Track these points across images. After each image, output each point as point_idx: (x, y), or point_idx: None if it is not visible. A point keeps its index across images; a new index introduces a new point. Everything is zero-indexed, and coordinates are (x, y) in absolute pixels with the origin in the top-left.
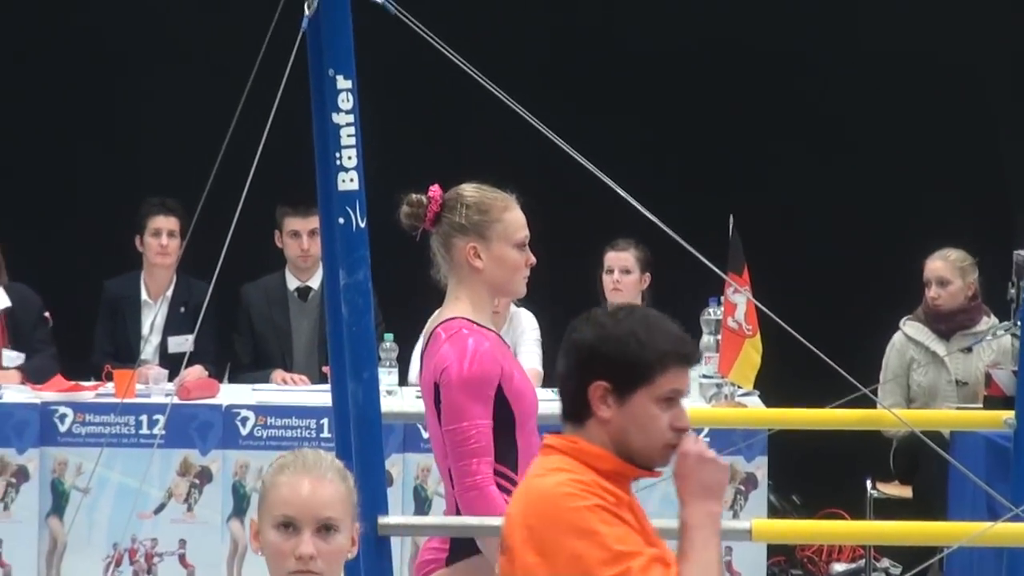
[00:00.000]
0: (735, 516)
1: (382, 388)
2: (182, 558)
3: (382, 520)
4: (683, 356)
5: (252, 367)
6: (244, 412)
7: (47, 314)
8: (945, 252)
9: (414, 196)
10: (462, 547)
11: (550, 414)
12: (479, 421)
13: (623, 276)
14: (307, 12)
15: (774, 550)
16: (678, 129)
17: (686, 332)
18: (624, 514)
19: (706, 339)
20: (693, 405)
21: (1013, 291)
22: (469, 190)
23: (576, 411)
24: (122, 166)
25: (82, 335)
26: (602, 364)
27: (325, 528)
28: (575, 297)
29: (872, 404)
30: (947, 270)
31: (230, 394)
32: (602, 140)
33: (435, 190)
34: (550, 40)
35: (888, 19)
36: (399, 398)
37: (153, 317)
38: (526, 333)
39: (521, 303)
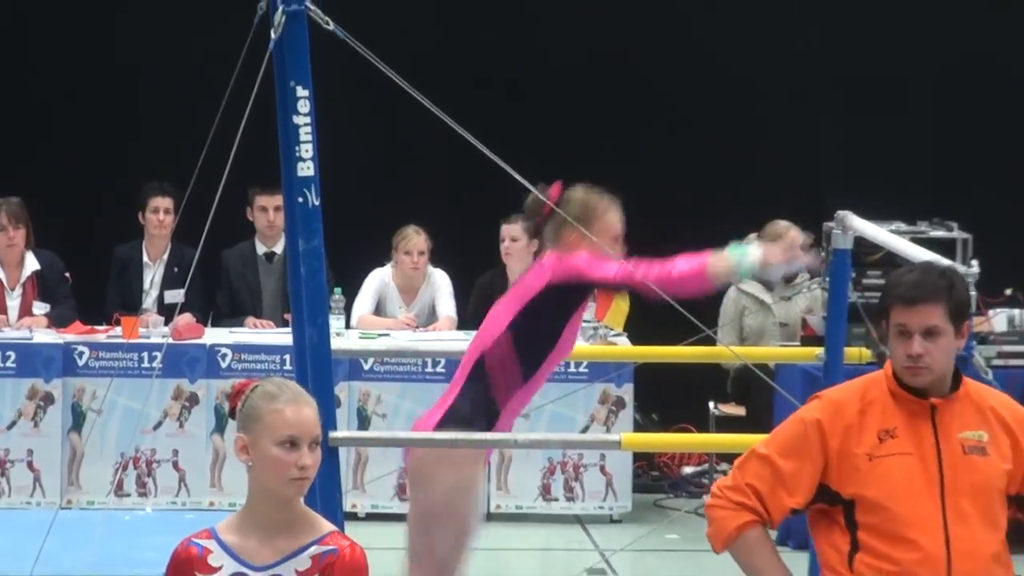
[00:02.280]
0: (608, 431)
1: (332, 331)
2: (175, 464)
3: (332, 434)
4: (897, 296)
5: (230, 315)
6: (224, 350)
7: (67, 274)
8: (775, 222)
9: (541, 184)
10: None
11: (458, 351)
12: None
13: (512, 243)
14: (273, 36)
15: (638, 457)
16: (562, 127)
17: (921, 276)
18: (831, 438)
19: None
20: (576, 344)
21: (823, 254)
22: (580, 192)
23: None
24: (128, 156)
25: (95, 290)
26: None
27: (315, 443)
28: (481, 260)
29: (714, 342)
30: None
31: (213, 335)
32: (508, 136)
33: (556, 187)
34: (469, 57)
35: (724, 21)
36: (345, 339)
37: (152, 275)
38: (442, 288)
39: (436, 264)
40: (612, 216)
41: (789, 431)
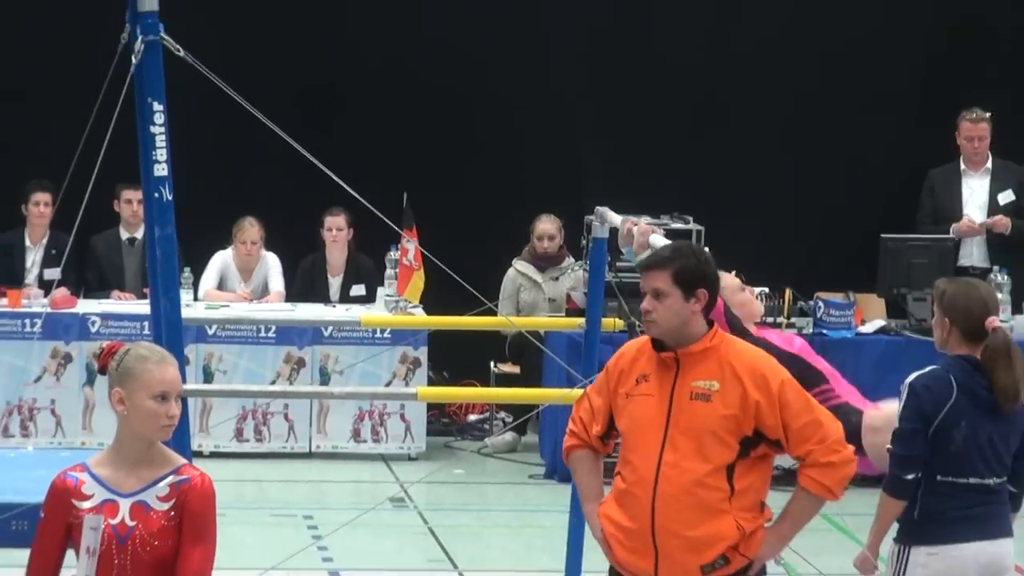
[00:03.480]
0: (406, 385)
1: (182, 302)
2: (52, 411)
3: (182, 387)
4: (641, 266)
5: (98, 289)
6: (94, 317)
7: None
8: (551, 217)
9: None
10: None
11: (285, 319)
12: None
13: (338, 233)
14: (134, 60)
15: (431, 407)
16: (379, 134)
17: (658, 251)
18: (611, 380)
19: (389, 271)
20: (379, 314)
21: (584, 242)
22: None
23: None
24: (10, 154)
25: None
26: None
27: (178, 396)
28: (302, 247)
29: (494, 313)
30: (555, 228)
31: (84, 306)
32: (330, 147)
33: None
34: (295, 74)
35: (493, 34)
36: (193, 309)
37: (34, 256)
38: (273, 268)
39: (269, 248)
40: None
41: (600, 374)
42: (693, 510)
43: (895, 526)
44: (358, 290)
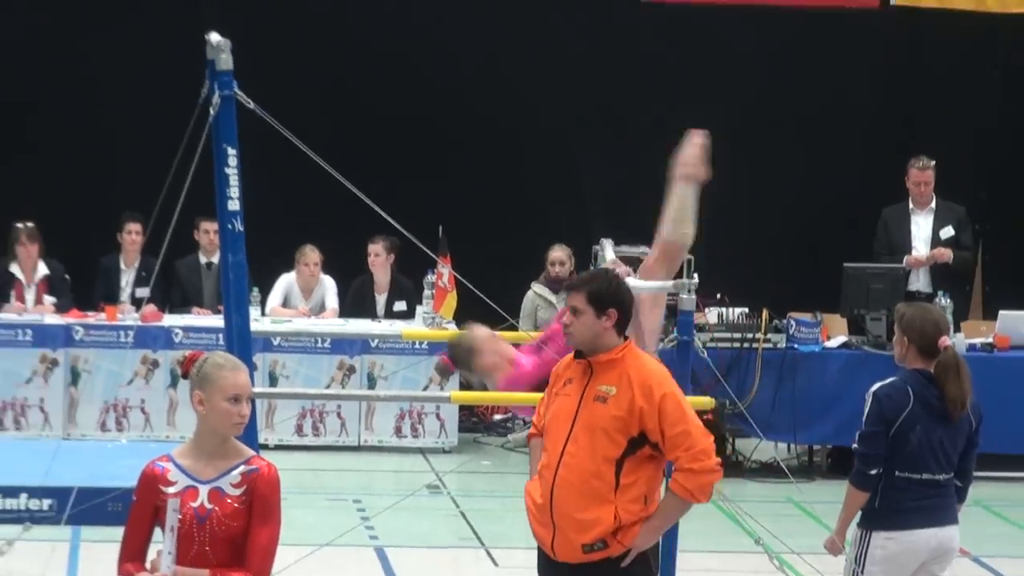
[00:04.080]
0: (441, 389)
1: (251, 318)
2: (142, 409)
3: (252, 390)
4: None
5: (181, 306)
6: (177, 329)
7: (67, 276)
8: (562, 246)
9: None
10: None
11: (339, 332)
12: None
13: (375, 258)
14: (212, 112)
15: (463, 407)
16: (421, 177)
17: (580, 276)
18: (551, 382)
19: (427, 292)
20: (418, 328)
21: (592, 268)
22: None
23: None
24: (108, 191)
25: (86, 287)
26: None
27: (249, 398)
28: (353, 270)
29: (517, 329)
30: (565, 256)
31: (170, 320)
32: (377, 182)
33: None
34: (346, 120)
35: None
36: (260, 323)
37: (127, 277)
38: (329, 289)
39: (325, 271)
40: None
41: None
42: (583, 496)
43: (859, 514)
44: (400, 306)
